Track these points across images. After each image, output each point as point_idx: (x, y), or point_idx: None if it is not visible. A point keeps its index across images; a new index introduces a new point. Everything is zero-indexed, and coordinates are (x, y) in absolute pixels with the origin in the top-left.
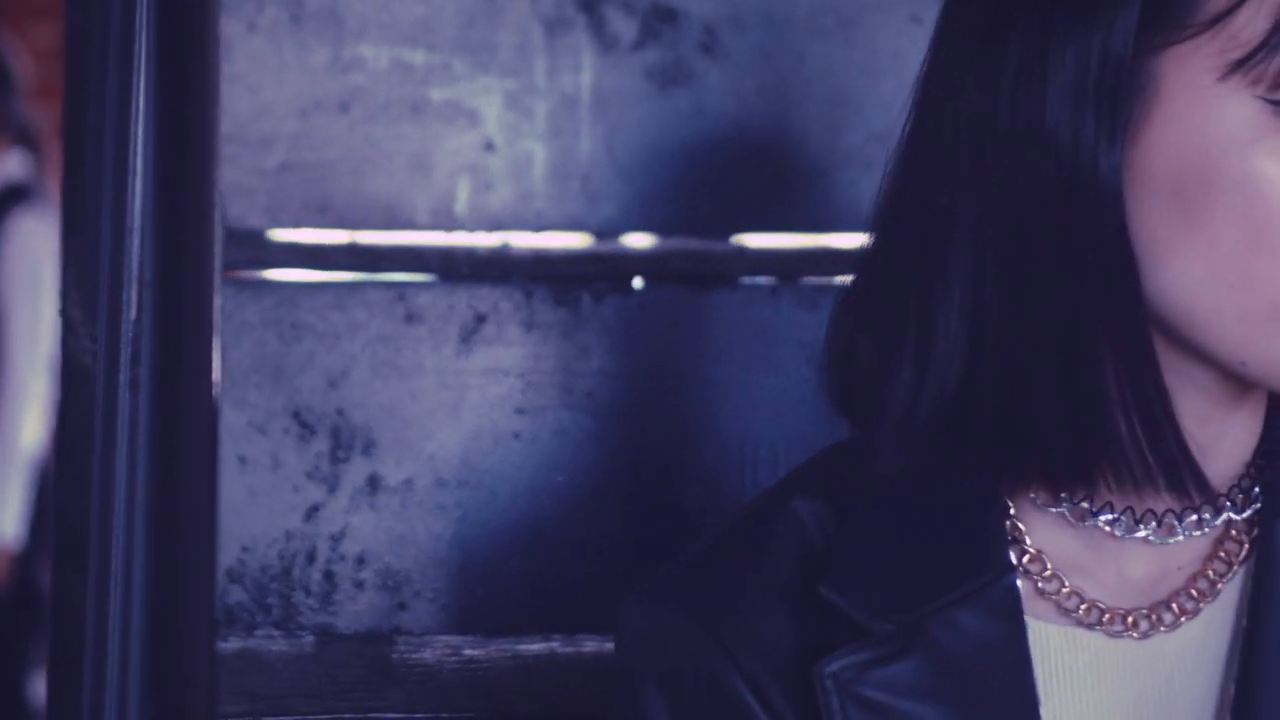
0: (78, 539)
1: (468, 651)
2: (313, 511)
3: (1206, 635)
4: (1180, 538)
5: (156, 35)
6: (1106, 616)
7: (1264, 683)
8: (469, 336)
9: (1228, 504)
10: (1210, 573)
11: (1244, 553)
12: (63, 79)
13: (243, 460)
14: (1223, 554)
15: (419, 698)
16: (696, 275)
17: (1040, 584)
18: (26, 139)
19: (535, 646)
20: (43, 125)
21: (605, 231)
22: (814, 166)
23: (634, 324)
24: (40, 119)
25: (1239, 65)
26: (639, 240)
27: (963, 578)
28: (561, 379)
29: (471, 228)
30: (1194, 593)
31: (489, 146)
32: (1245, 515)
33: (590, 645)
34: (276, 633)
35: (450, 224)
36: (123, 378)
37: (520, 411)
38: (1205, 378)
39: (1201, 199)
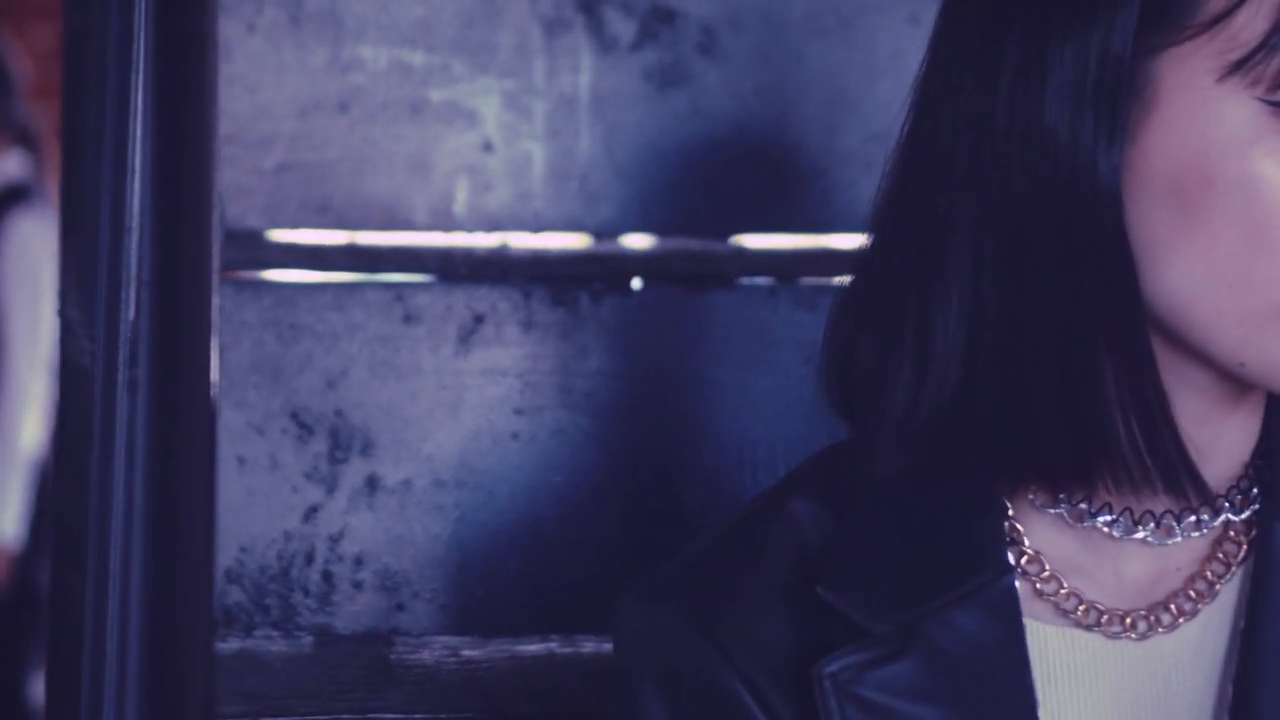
0: (76, 539)
1: (466, 652)
2: (311, 512)
3: (1204, 636)
4: (1178, 539)
5: (154, 36)
6: (1105, 617)
7: (1262, 684)
8: (467, 337)
9: (1226, 505)
10: (1208, 574)
11: (1242, 554)
12: (61, 79)
13: (241, 461)
14: (1221, 555)
15: (417, 698)
16: (695, 276)
17: (1038, 585)
18: (26, 139)
19: (533, 647)
20: (42, 125)
21: (604, 232)
22: (812, 167)
23: (632, 324)
24: (40, 119)
25: (1238, 66)
26: (637, 241)
27: (961, 578)
28: (560, 379)
29: (470, 228)
30: (1192, 594)
31: (488, 147)
32: (1243, 516)
33: (588, 646)
34: (275, 633)
35: (449, 224)
36: (121, 378)
37: (518, 412)
38: (1203, 378)
39: (1200, 200)
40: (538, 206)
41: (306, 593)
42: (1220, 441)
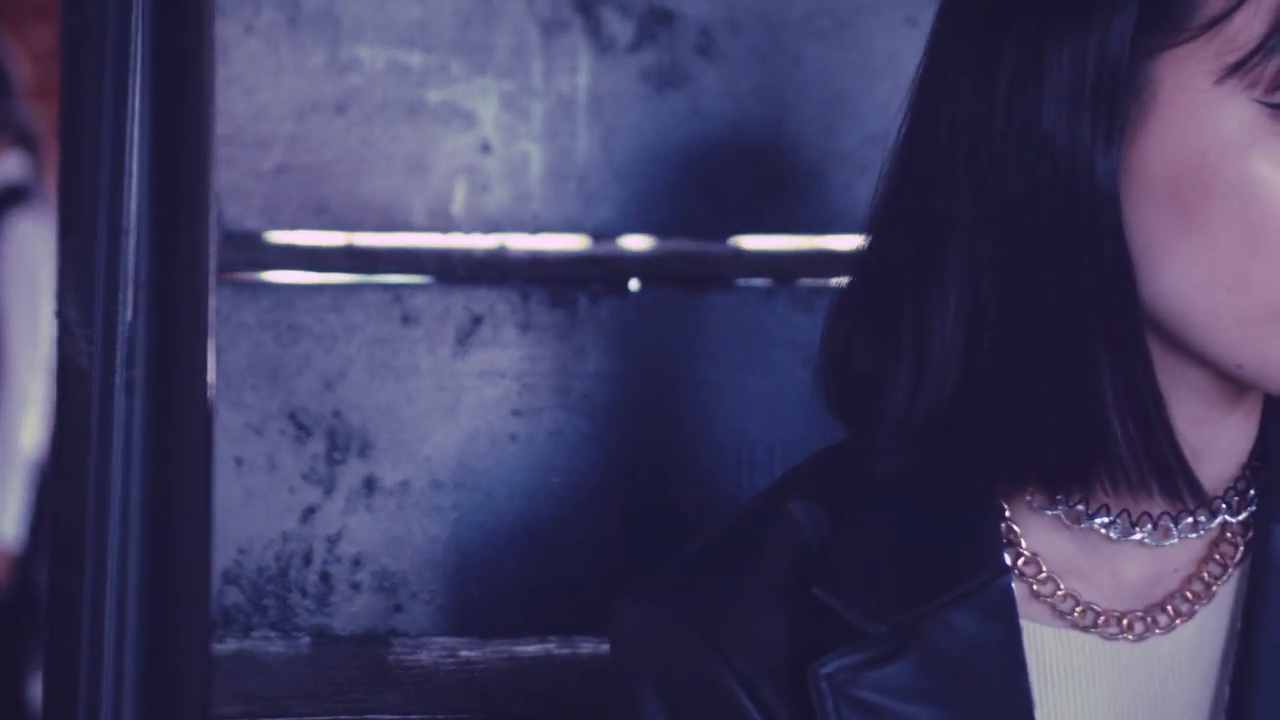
0: (73, 539)
1: (464, 653)
2: (309, 513)
3: (1201, 637)
4: (1175, 540)
5: (152, 37)
6: (1102, 619)
7: (1259, 685)
8: (465, 338)
9: (1223, 507)
10: (1205, 575)
11: (1239, 555)
12: (59, 80)
13: (239, 462)
14: (1218, 556)
15: (415, 699)
16: (693, 277)
17: (1035, 586)
18: (25, 140)
19: (531, 648)
20: (41, 126)
21: (602, 233)
22: (810, 168)
23: (630, 326)
24: (39, 120)
25: (1236, 68)
26: (635, 242)
27: (958, 579)
28: (558, 381)
29: (468, 229)
30: (1189, 595)
31: (486, 148)
32: (1241, 518)
33: (586, 647)
34: (273, 634)
35: (447, 225)
36: (118, 379)
37: (517, 413)
38: (1201, 379)
39: (1198, 202)
40: (536, 208)
41: (304, 593)
42: (1218, 443)
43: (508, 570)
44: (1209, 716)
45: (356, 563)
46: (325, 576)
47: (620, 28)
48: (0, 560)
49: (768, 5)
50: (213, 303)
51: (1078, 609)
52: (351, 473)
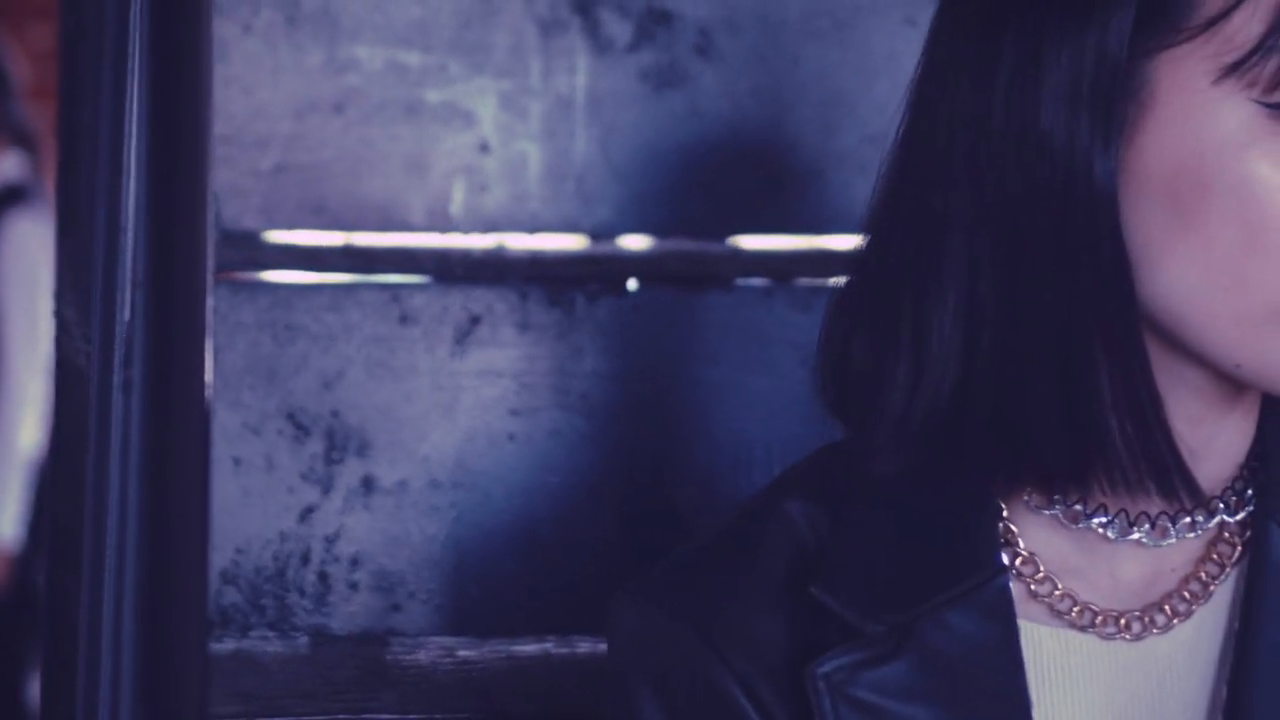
0: (71, 539)
1: (462, 653)
2: (307, 513)
3: (1199, 637)
4: (1173, 540)
5: (150, 37)
6: (1099, 618)
7: (1256, 684)
8: (463, 338)
9: (1220, 506)
10: (1203, 574)
11: (1236, 555)
12: (57, 80)
13: (237, 461)
14: (1215, 556)
15: (413, 699)
16: (691, 277)
17: (1033, 586)
18: (24, 140)
19: (529, 647)
20: (40, 126)
21: (600, 233)
22: (808, 168)
23: (628, 325)
24: (38, 120)
25: (1234, 68)
26: (634, 242)
27: (955, 579)
28: (556, 380)
29: (466, 229)
30: (1186, 594)
31: (484, 148)
32: (1238, 518)
33: (584, 646)
34: (271, 634)
35: (445, 225)
36: (116, 378)
37: (514, 413)
38: (1199, 379)
39: (1196, 202)
40: (534, 207)
41: (302, 593)
42: (1215, 442)
43: (506, 570)
44: (1206, 716)
45: (354, 562)
46: (323, 576)
47: (619, 28)
48: None
49: (766, 5)
50: (210, 302)
51: (1075, 609)
52: (349, 472)
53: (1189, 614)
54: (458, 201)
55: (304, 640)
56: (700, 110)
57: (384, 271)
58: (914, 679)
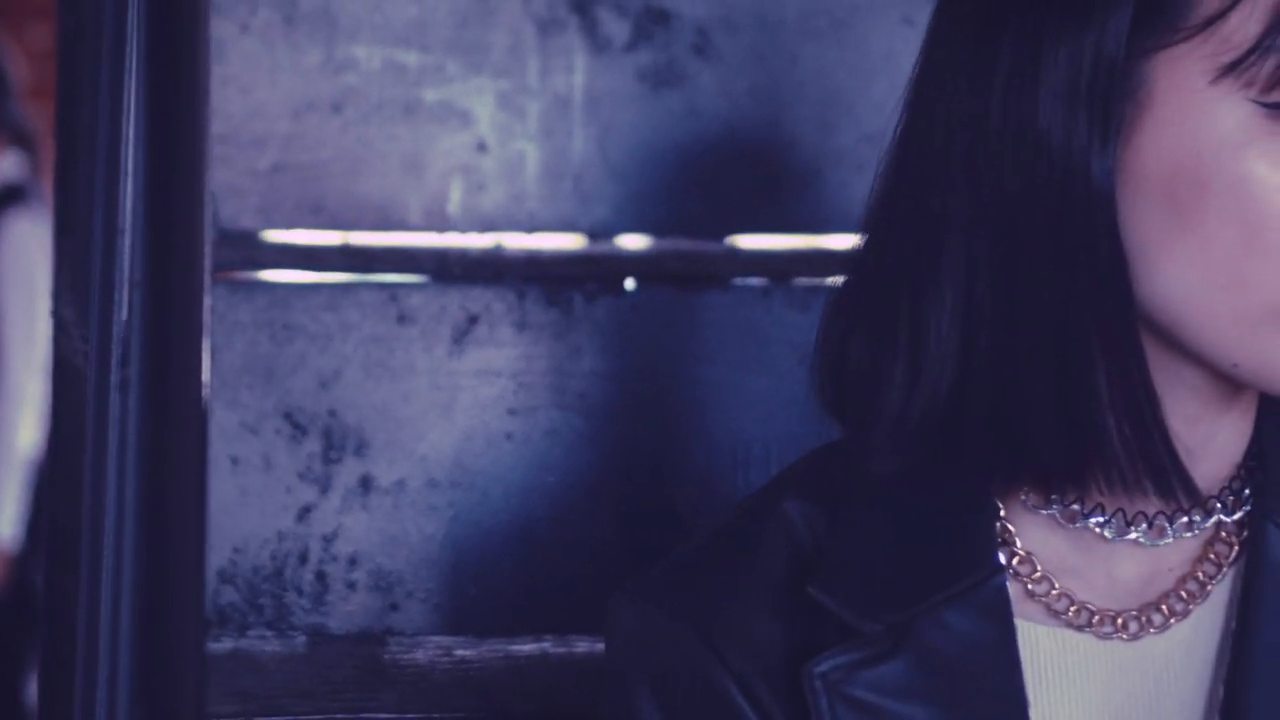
0: (69, 539)
1: (460, 652)
2: (305, 512)
3: (1196, 637)
4: (1170, 540)
5: (148, 36)
6: (1096, 618)
7: (1253, 684)
8: (461, 337)
9: (1218, 506)
10: (1200, 574)
11: (1234, 554)
12: (54, 80)
13: (235, 461)
14: (1212, 555)
15: (411, 698)
16: (689, 276)
17: (1030, 586)
18: (23, 140)
19: (527, 647)
20: (39, 126)
21: (598, 232)
22: (806, 167)
23: (626, 325)
24: (37, 120)
25: (1231, 68)
26: (631, 241)
27: (952, 578)
28: (554, 380)
29: (464, 229)
30: (1184, 594)
31: (482, 147)
32: (1235, 517)
33: (582, 646)
34: (269, 633)
35: (443, 225)
36: (114, 378)
37: (512, 412)
38: (1196, 378)
39: (1194, 202)
40: (532, 207)
41: (300, 592)
42: (1213, 442)
43: (504, 569)
44: (1203, 715)
45: (352, 562)
46: (321, 575)
47: (616, 27)
48: None
49: (764, 5)
50: (208, 302)
51: (1072, 608)
52: (347, 472)
53: (1186, 614)
54: (455, 201)
55: (302, 640)
56: (698, 109)
57: (382, 271)
58: (911, 678)
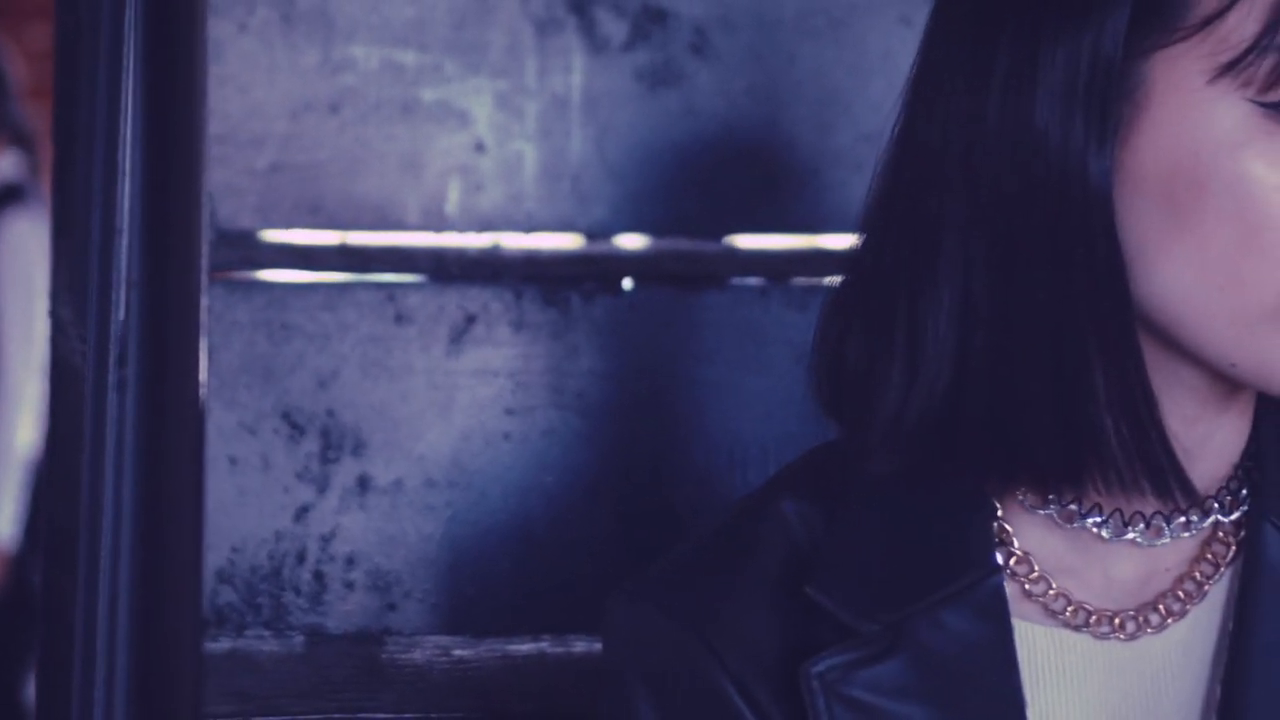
0: (67, 539)
1: (457, 652)
2: (303, 512)
3: (1193, 637)
4: (1167, 540)
5: (146, 36)
6: (1093, 618)
7: (1250, 684)
8: (459, 337)
9: (1215, 506)
10: (1197, 574)
11: (1231, 554)
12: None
13: (233, 461)
14: (1210, 556)
15: (409, 698)
16: (687, 276)
17: (1027, 585)
18: (22, 140)
19: (525, 647)
20: (38, 126)
21: (596, 232)
22: (804, 167)
23: (624, 325)
24: (36, 120)
25: (1229, 68)
26: (629, 241)
27: (949, 578)
28: (551, 379)
29: (462, 228)
30: (1181, 594)
31: (479, 147)
32: (1233, 517)
33: (580, 645)
34: (266, 633)
35: (441, 225)
36: (111, 378)
37: (510, 412)
38: (1194, 378)
39: (1192, 202)
40: (530, 207)
41: (298, 592)
42: (1210, 442)
43: (501, 569)
44: (1200, 716)
45: (350, 561)
46: (319, 575)
47: (614, 27)
48: None
49: (762, 4)
50: (206, 302)
51: (1069, 608)
52: (345, 471)
53: (1183, 613)
54: (453, 201)
55: (300, 639)
56: (696, 109)
57: (379, 271)
58: (908, 678)
